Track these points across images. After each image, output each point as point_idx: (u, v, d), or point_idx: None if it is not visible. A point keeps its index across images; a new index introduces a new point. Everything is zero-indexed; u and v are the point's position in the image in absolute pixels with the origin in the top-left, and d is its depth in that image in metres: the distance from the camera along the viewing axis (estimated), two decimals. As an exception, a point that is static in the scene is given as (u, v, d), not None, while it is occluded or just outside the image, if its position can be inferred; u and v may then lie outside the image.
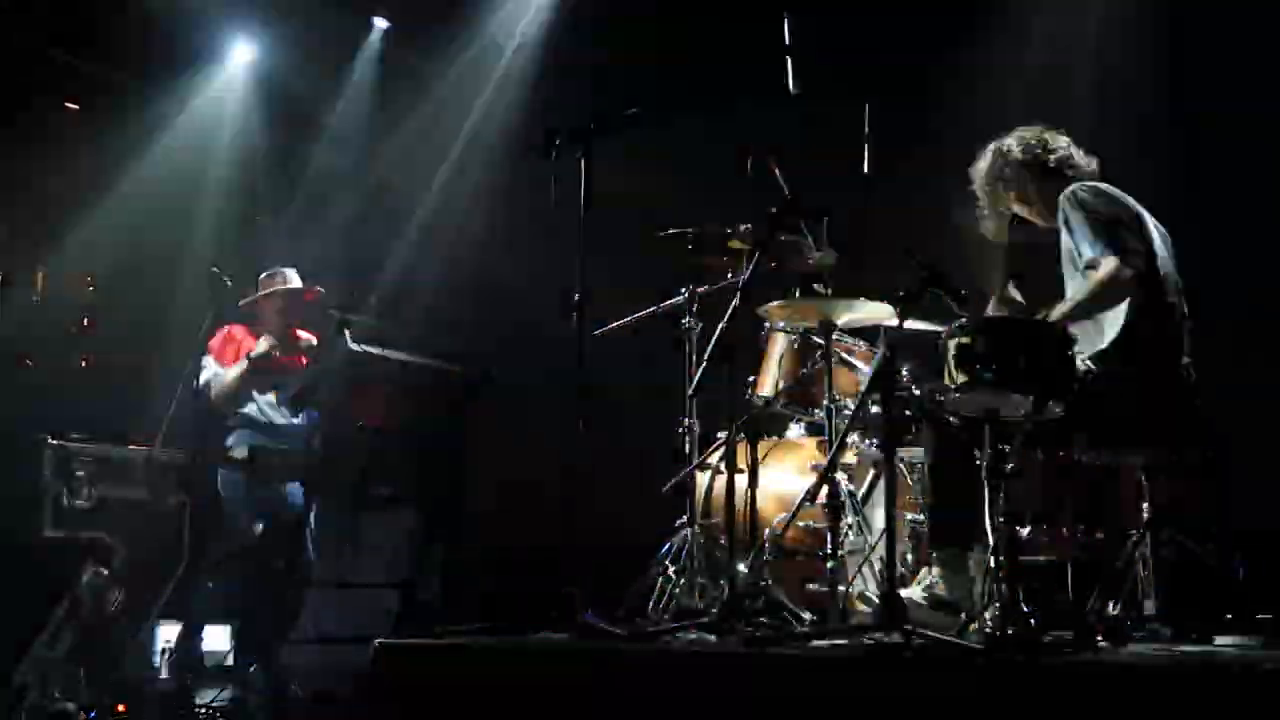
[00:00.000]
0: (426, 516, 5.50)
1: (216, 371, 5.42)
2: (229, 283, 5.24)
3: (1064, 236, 3.90)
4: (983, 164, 4.11)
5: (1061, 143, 4.02)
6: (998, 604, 3.07)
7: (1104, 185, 3.90)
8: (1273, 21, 5.15)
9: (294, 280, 5.72)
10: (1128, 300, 3.74)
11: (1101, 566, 3.83)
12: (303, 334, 5.83)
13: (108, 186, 7.03)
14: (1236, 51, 5.43)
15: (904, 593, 3.57)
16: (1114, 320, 3.78)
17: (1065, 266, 3.98)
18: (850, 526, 4.06)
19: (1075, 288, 3.89)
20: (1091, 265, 3.75)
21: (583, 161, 3.98)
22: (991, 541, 3.16)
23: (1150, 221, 3.87)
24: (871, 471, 4.67)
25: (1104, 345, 3.78)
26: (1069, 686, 2.58)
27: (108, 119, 7.09)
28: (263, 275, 5.70)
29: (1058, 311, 3.76)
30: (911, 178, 5.57)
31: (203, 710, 4.90)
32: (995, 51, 6.29)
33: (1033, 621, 3.10)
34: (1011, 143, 4.05)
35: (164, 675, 5.85)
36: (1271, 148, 5.25)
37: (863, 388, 3.55)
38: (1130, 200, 3.87)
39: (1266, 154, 5.33)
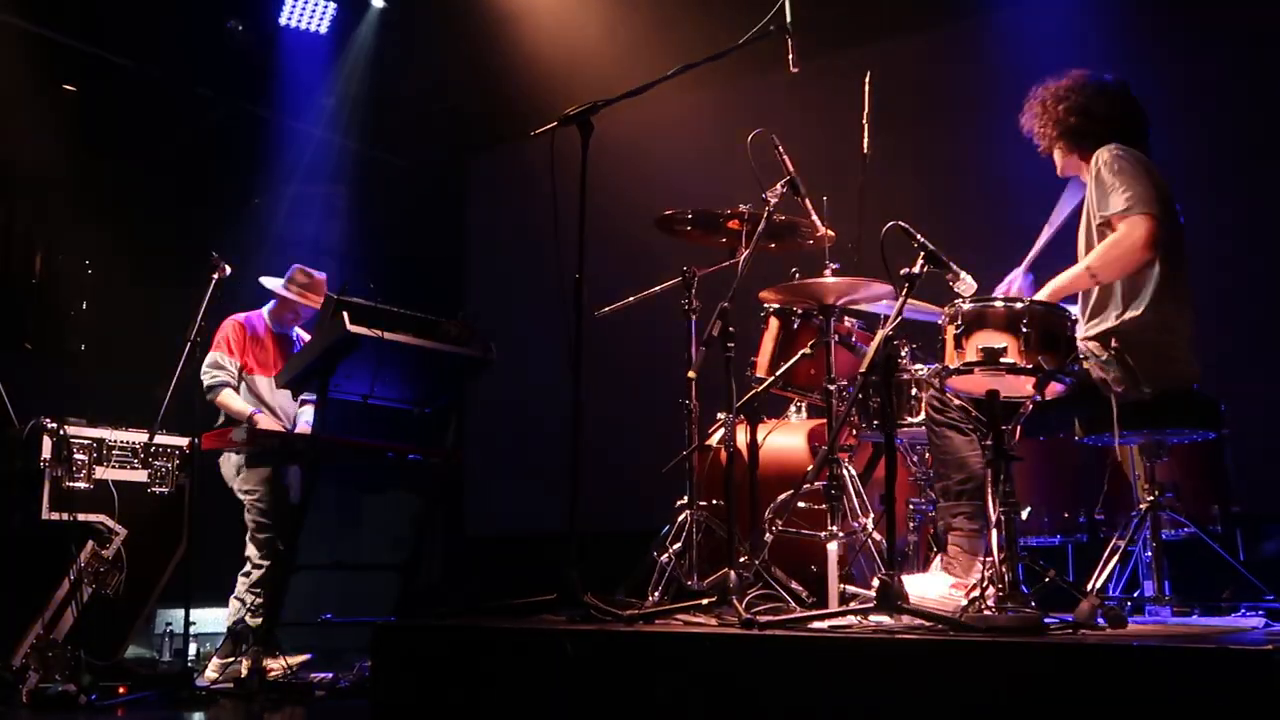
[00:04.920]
0: (427, 498, 5.48)
1: (223, 383, 5.52)
2: (226, 266, 5.24)
3: (1088, 194, 3.85)
4: (1027, 118, 4.08)
5: (1099, 101, 3.95)
6: (998, 585, 3.06)
7: (1140, 154, 3.85)
8: None
9: (312, 297, 5.76)
10: (1144, 278, 3.70)
11: (1101, 547, 3.82)
12: (302, 333, 5.87)
13: (108, 169, 7.02)
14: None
15: (912, 577, 3.57)
16: (1120, 298, 3.76)
17: (1082, 233, 3.93)
18: (849, 508, 4.05)
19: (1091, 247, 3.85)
20: (1105, 224, 3.69)
21: (582, 142, 3.96)
22: (992, 523, 3.16)
23: (1172, 203, 3.84)
24: (871, 453, 4.67)
25: (1108, 324, 3.76)
26: (1068, 668, 2.57)
27: (106, 100, 7.08)
28: (294, 269, 5.78)
29: (1069, 274, 3.73)
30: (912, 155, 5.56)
31: (203, 692, 4.91)
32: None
33: (1032, 603, 3.10)
34: (1060, 83, 4.00)
35: (165, 657, 5.89)
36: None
37: (862, 369, 3.52)
38: (1161, 177, 3.83)
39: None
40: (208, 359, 5.59)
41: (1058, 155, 4.04)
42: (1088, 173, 3.90)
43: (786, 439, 4.78)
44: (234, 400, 5.56)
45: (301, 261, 5.92)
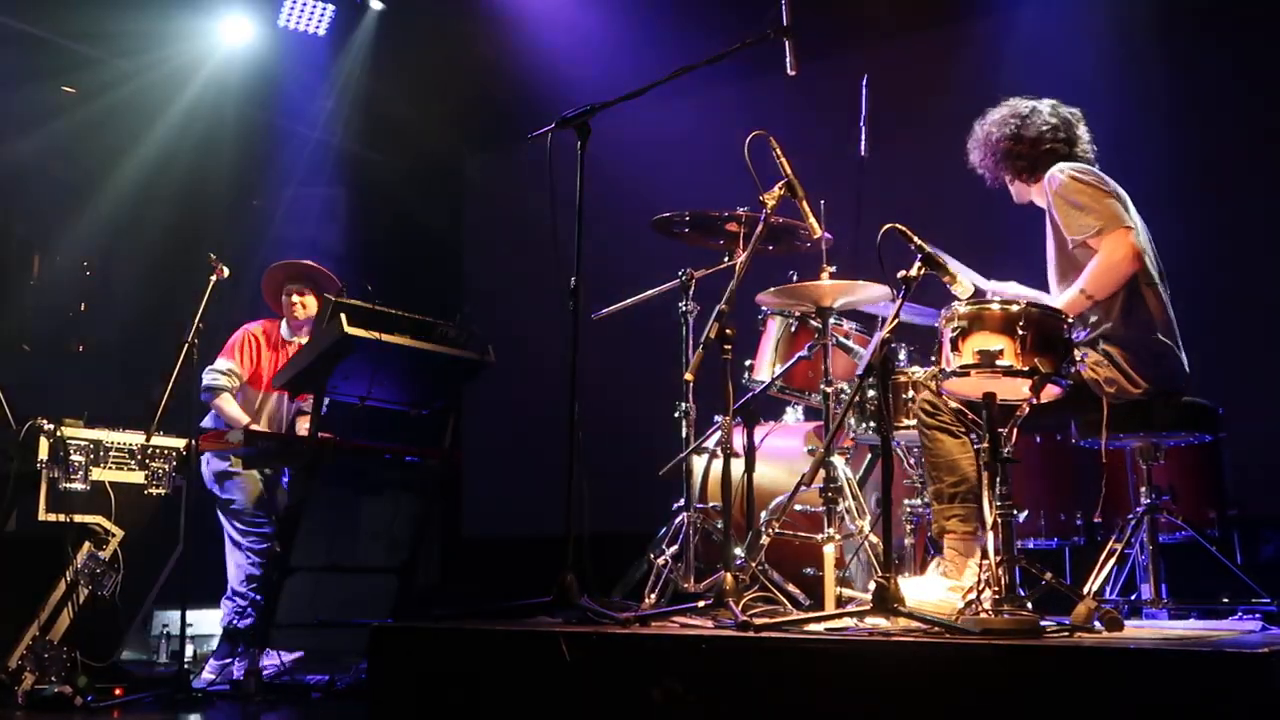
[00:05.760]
0: (425, 501, 5.48)
1: (222, 386, 5.52)
2: (225, 268, 5.24)
3: (1052, 216, 3.87)
4: (973, 155, 4.11)
5: (1042, 120, 3.98)
6: (994, 588, 3.06)
7: (1090, 167, 3.88)
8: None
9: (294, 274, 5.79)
10: (1123, 283, 3.72)
11: (1098, 550, 3.82)
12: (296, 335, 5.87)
13: (106, 171, 7.02)
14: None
15: (909, 580, 3.57)
16: (1108, 303, 3.76)
17: (1052, 251, 3.95)
18: (846, 510, 4.05)
19: (1064, 269, 3.87)
20: (1082, 245, 3.72)
21: (579, 145, 3.96)
22: (989, 525, 3.15)
23: (1132, 206, 3.85)
24: (868, 455, 4.66)
25: (1099, 328, 3.77)
26: (1065, 671, 2.57)
27: (105, 103, 7.08)
28: (276, 263, 5.80)
29: (1065, 299, 3.74)
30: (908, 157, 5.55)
31: (200, 693, 4.90)
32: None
33: (1029, 606, 3.09)
34: (990, 128, 4.04)
35: (161, 659, 5.89)
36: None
37: (859, 371, 3.52)
38: (1115, 184, 3.85)
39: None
40: (216, 361, 5.58)
41: (1010, 185, 4.08)
42: (1042, 197, 3.94)
43: (784, 441, 4.78)
44: (230, 406, 5.55)
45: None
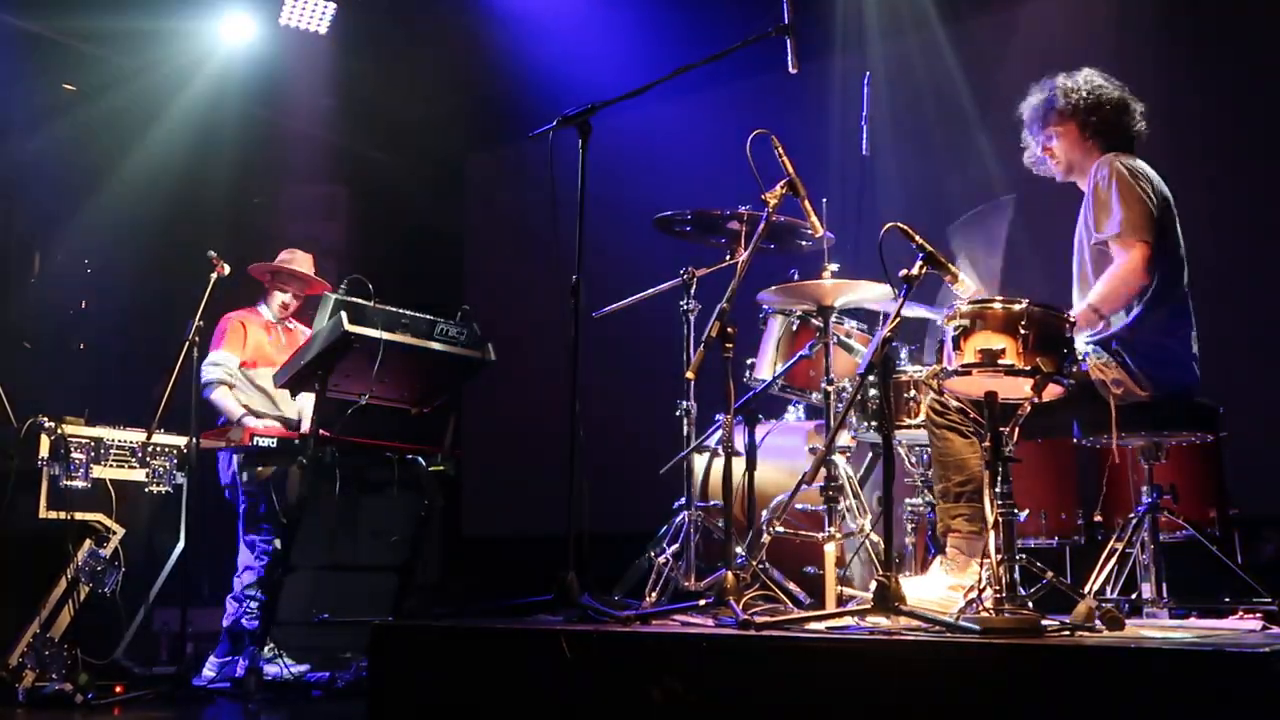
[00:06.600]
0: (425, 498, 5.47)
1: (218, 380, 5.55)
2: (225, 266, 5.24)
3: (1085, 205, 3.84)
4: (1038, 94, 4.04)
5: (1114, 96, 3.93)
6: (995, 587, 3.06)
7: (1144, 166, 3.84)
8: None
9: (303, 265, 5.80)
10: (1132, 297, 3.71)
11: (1099, 550, 3.82)
12: (300, 326, 5.87)
13: (106, 169, 7.02)
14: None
15: (910, 579, 3.56)
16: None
17: (1076, 246, 3.93)
18: (847, 509, 4.05)
19: (1084, 258, 3.85)
20: (1103, 244, 3.71)
21: (581, 143, 3.96)
22: (990, 524, 3.15)
23: (1173, 217, 3.83)
24: (869, 454, 4.66)
25: (1112, 329, 3.76)
26: (1066, 669, 2.57)
27: (106, 101, 7.08)
28: (282, 254, 5.81)
29: (1076, 312, 3.73)
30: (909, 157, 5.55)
31: (200, 691, 4.90)
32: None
33: (1030, 605, 3.09)
34: (1077, 80, 3.96)
35: (162, 657, 5.88)
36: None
37: (860, 370, 3.52)
38: (1163, 185, 3.82)
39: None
40: (208, 357, 5.59)
41: (1065, 153, 3.98)
42: (1085, 179, 3.90)
43: (785, 440, 4.78)
44: (227, 399, 5.55)
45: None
